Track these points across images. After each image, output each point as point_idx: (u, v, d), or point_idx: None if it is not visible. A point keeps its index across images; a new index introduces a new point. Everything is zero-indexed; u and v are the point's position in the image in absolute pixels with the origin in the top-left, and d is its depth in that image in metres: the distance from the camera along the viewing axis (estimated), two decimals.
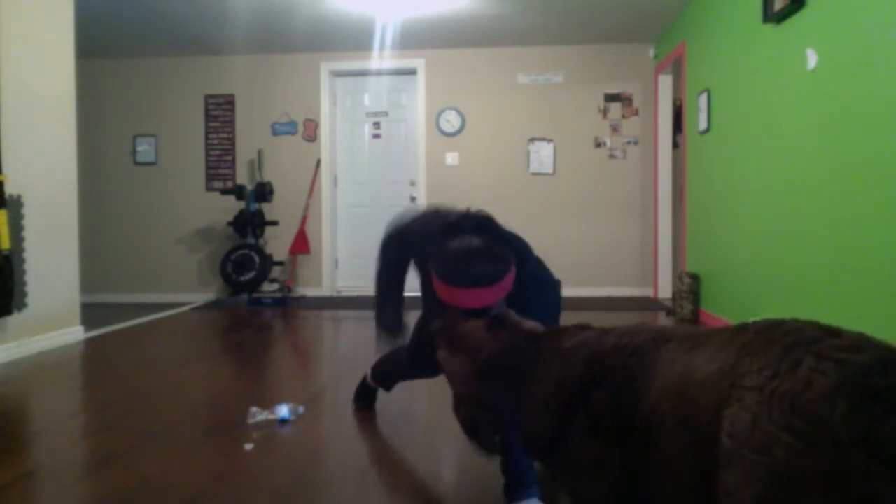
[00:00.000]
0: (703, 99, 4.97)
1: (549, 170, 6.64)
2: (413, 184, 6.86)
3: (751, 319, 3.28)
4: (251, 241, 6.48)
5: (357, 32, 6.08)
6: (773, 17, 3.59)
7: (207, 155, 6.93)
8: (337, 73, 6.90)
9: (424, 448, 2.22)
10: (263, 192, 6.45)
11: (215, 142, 6.92)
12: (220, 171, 6.92)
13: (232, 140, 6.90)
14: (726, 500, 0.82)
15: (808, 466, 0.72)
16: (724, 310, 4.60)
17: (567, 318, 1.60)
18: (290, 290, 6.60)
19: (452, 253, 1.59)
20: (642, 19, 5.82)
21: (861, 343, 0.80)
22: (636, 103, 6.56)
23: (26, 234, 3.92)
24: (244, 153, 6.89)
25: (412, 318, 2.13)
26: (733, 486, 0.80)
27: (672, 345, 1.03)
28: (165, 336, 4.76)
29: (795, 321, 0.89)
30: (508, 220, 2.17)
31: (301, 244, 6.66)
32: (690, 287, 5.13)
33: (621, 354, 1.08)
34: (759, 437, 0.78)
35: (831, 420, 0.72)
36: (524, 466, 1.71)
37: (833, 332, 0.84)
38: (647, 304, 5.91)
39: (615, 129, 6.59)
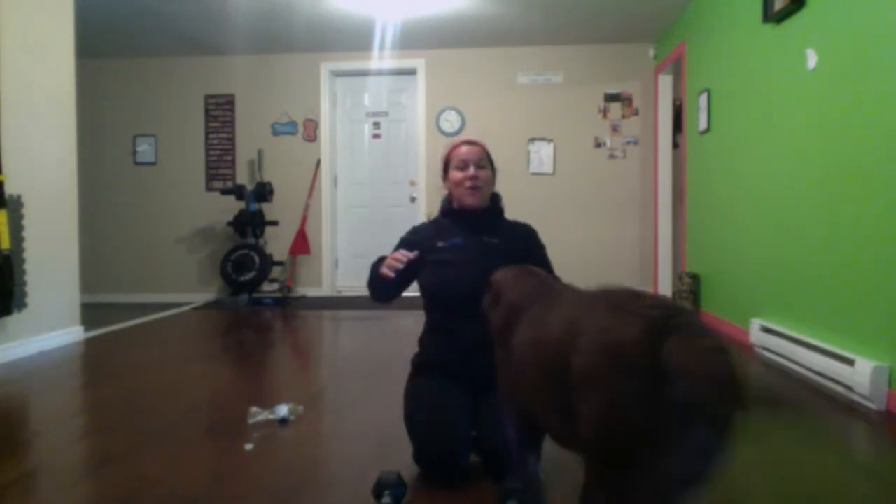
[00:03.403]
0: (703, 99, 4.97)
1: (549, 170, 6.64)
2: (413, 184, 6.86)
3: (751, 319, 3.29)
4: (251, 241, 6.47)
5: (357, 32, 6.08)
6: (773, 17, 3.59)
7: (207, 155, 6.93)
8: (337, 73, 6.90)
9: None
10: (263, 192, 6.45)
11: (215, 142, 6.92)
12: (220, 171, 6.92)
13: (232, 140, 6.90)
14: (580, 423, 1.11)
15: (625, 389, 1.04)
16: (723, 310, 4.60)
17: None
18: (290, 290, 6.60)
19: None
20: (642, 19, 5.82)
21: (658, 303, 1.12)
22: (636, 103, 6.56)
23: (26, 234, 3.92)
24: (244, 153, 6.89)
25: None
26: (583, 411, 1.11)
27: (544, 303, 1.41)
28: (165, 336, 4.76)
29: (620, 288, 1.23)
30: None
31: (301, 244, 6.66)
32: (690, 287, 5.13)
33: (526, 299, 1.49)
34: (593, 371, 1.09)
35: (636, 353, 1.04)
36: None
37: (641, 295, 1.16)
38: None
39: (615, 129, 6.59)
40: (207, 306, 6.29)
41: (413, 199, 6.84)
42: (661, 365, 1.01)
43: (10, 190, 3.75)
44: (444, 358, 2.06)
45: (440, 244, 2.08)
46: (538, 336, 1.32)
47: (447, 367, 2.04)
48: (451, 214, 2.16)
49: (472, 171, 2.06)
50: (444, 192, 2.20)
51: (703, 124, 5.01)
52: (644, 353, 1.03)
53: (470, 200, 2.09)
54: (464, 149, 2.09)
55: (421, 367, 2.13)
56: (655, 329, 1.05)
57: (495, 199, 2.21)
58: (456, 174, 2.09)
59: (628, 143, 6.58)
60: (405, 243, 2.13)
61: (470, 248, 2.07)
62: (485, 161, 2.10)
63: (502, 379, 1.57)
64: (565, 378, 1.16)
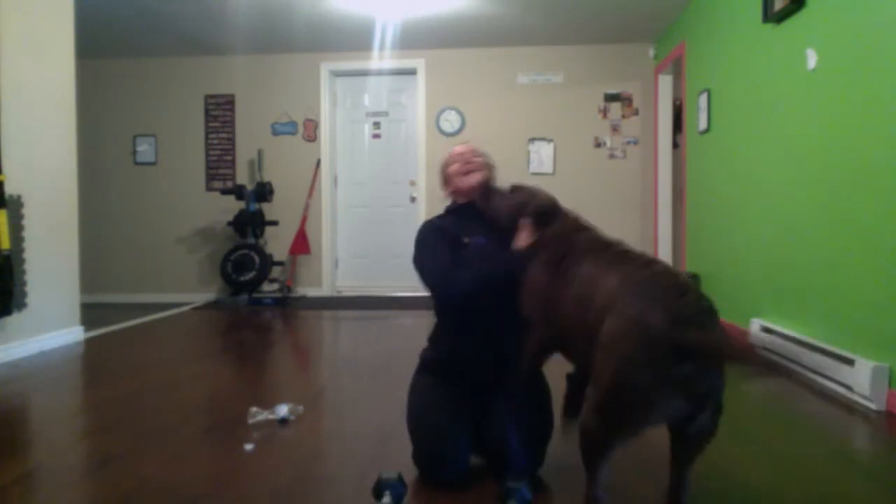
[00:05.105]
0: (703, 99, 4.97)
1: (549, 170, 6.64)
2: (413, 184, 6.86)
3: (751, 319, 3.30)
4: (251, 241, 6.47)
5: (357, 32, 6.08)
6: (773, 17, 3.59)
7: (207, 155, 6.93)
8: (337, 73, 6.90)
9: None
10: (263, 192, 6.45)
11: (215, 142, 6.92)
12: (220, 171, 6.92)
13: (232, 140, 6.90)
14: (597, 370, 1.45)
15: (638, 358, 1.36)
16: (724, 310, 4.57)
17: None
18: (290, 290, 6.59)
19: None
20: (642, 19, 5.82)
21: (688, 302, 1.40)
22: (636, 103, 6.56)
23: (26, 234, 3.92)
24: (244, 153, 6.89)
25: None
26: (599, 364, 1.44)
27: (606, 256, 1.65)
28: (165, 336, 4.76)
29: (664, 273, 1.51)
30: None
31: (301, 244, 6.66)
32: None
33: (593, 244, 1.73)
34: (620, 337, 1.40)
35: (657, 335, 1.35)
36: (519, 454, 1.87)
37: (677, 289, 1.44)
38: None
39: (615, 129, 6.59)
40: (207, 306, 6.29)
41: (413, 199, 6.83)
42: (672, 347, 1.33)
43: (10, 190, 3.75)
44: (453, 358, 2.05)
45: (466, 240, 2.04)
46: (587, 291, 1.58)
47: (454, 368, 2.03)
48: (460, 210, 2.16)
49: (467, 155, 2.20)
50: (446, 197, 2.24)
51: (703, 124, 5.01)
52: (663, 338, 1.34)
53: (468, 182, 2.14)
54: (458, 147, 2.26)
55: (428, 363, 2.12)
56: (677, 321, 1.35)
57: None
58: (454, 166, 2.19)
59: (628, 143, 6.58)
60: (441, 234, 2.05)
61: (493, 246, 2.00)
62: (479, 153, 2.22)
63: (531, 291, 1.78)
64: (595, 329, 1.48)
